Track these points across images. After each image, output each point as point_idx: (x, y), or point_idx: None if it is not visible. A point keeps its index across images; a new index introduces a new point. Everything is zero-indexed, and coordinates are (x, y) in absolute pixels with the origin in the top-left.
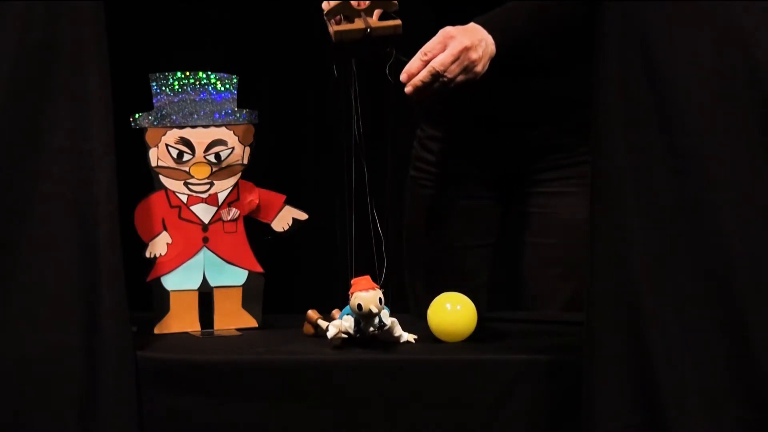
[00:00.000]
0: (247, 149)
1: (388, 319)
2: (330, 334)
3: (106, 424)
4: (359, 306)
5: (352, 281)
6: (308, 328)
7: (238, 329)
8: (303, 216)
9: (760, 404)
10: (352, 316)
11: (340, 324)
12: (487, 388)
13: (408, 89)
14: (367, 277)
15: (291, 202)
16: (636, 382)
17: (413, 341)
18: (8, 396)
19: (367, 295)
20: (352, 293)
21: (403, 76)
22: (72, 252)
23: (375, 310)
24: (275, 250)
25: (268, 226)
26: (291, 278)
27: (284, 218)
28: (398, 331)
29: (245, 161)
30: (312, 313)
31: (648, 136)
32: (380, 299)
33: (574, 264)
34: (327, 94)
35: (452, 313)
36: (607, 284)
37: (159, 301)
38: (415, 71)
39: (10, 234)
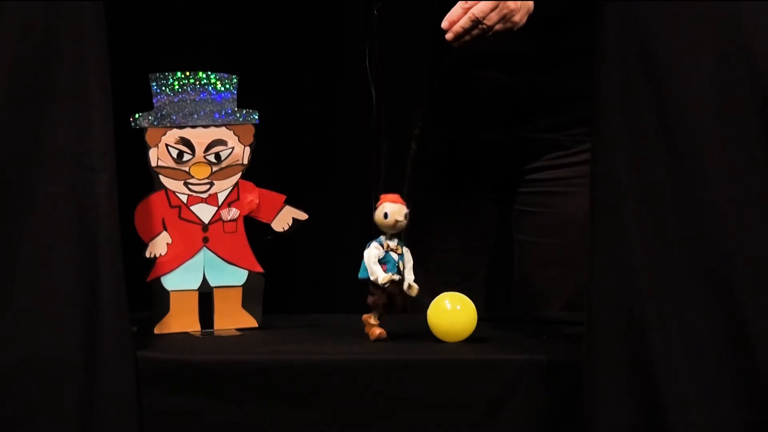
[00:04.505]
0: (247, 149)
1: (408, 255)
2: (381, 279)
3: (105, 424)
4: (385, 215)
5: (381, 196)
6: (374, 332)
7: (238, 329)
8: (303, 216)
9: (760, 404)
10: (379, 243)
11: (386, 275)
12: (487, 388)
13: (449, 36)
14: (396, 195)
15: (291, 202)
16: (636, 382)
17: (413, 292)
18: (8, 395)
19: (394, 206)
20: (378, 205)
21: (444, 24)
22: (72, 252)
23: (401, 220)
24: (275, 250)
25: (268, 226)
26: (291, 278)
27: (284, 218)
28: (409, 274)
29: (245, 161)
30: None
31: (648, 136)
32: (405, 215)
33: (574, 264)
34: (326, 92)
35: (452, 313)
36: (607, 284)
37: (159, 301)
38: (456, 18)
39: (11, 234)
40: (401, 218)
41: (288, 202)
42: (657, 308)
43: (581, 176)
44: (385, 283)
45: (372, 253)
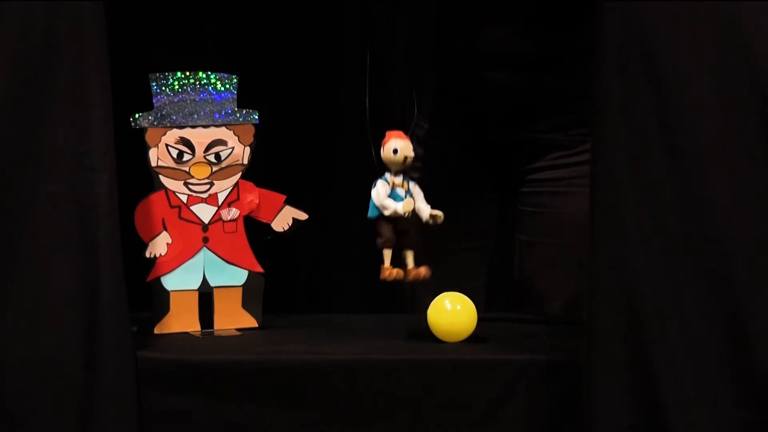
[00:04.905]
0: (247, 149)
1: (417, 189)
2: (402, 209)
3: (105, 424)
4: (395, 151)
5: (387, 133)
6: (390, 272)
7: (238, 329)
8: (303, 216)
9: (760, 404)
10: (385, 180)
11: (406, 202)
12: (487, 388)
13: None
14: (400, 131)
15: (291, 202)
16: (636, 382)
17: (439, 219)
18: (8, 395)
19: (402, 142)
20: (385, 142)
21: None
22: (72, 252)
23: (410, 155)
24: (275, 250)
25: (268, 226)
26: (291, 278)
27: (284, 218)
28: (421, 202)
29: (245, 161)
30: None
31: (648, 136)
32: (413, 149)
33: (575, 264)
34: (326, 92)
35: (452, 313)
36: (607, 284)
37: (159, 301)
38: None
39: (11, 234)
40: (410, 153)
41: (288, 202)
42: (657, 308)
43: (583, 176)
44: (406, 213)
45: (380, 190)
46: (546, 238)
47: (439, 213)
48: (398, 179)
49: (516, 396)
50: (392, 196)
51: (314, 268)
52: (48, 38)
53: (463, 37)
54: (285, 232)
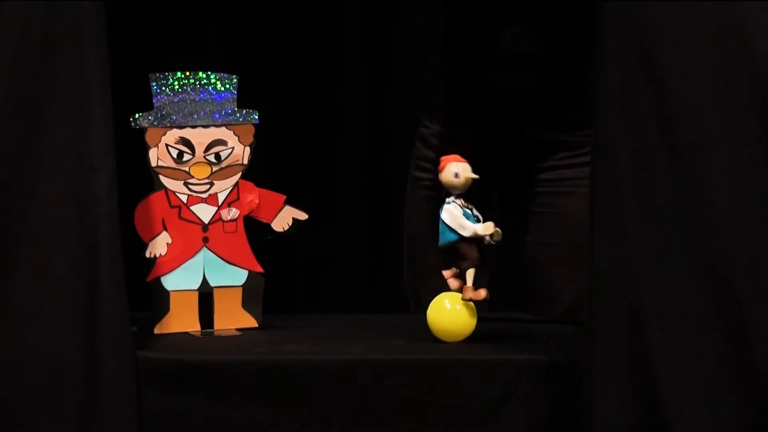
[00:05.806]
0: (247, 149)
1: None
2: (481, 230)
3: (105, 424)
4: (456, 174)
5: (441, 158)
6: (477, 293)
7: (238, 329)
8: (303, 216)
9: (760, 404)
10: (454, 203)
11: (487, 224)
12: (487, 388)
13: None
14: (456, 155)
15: (291, 202)
16: (636, 382)
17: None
18: (8, 396)
19: (461, 165)
20: (443, 167)
21: None
22: (72, 252)
23: (471, 176)
24: (275, 250)
25: (268, 226)
26: (291, 278)
27: (284, 218)
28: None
29: (245, 161)
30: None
31: (648, 136)
32: (472, 170)
33: (579, 264)
34: (326, 92)
35: (452, 312)
36: (607, 284)
37: (159, 301)
38: None
39: (11, 234)
40: (471, 174)
41: (288, 202)
42: (657, 308)
43: (587, 177)
44: (487, 233)
45: (455, 211)
46: (550, 238)
47: (496, 230)
48: (462, 201)
49: (516, 396)
50: (465, 216)
51: (314, 268)
52: (48, 38)
53: (470, 37)
54: (285, 232)
